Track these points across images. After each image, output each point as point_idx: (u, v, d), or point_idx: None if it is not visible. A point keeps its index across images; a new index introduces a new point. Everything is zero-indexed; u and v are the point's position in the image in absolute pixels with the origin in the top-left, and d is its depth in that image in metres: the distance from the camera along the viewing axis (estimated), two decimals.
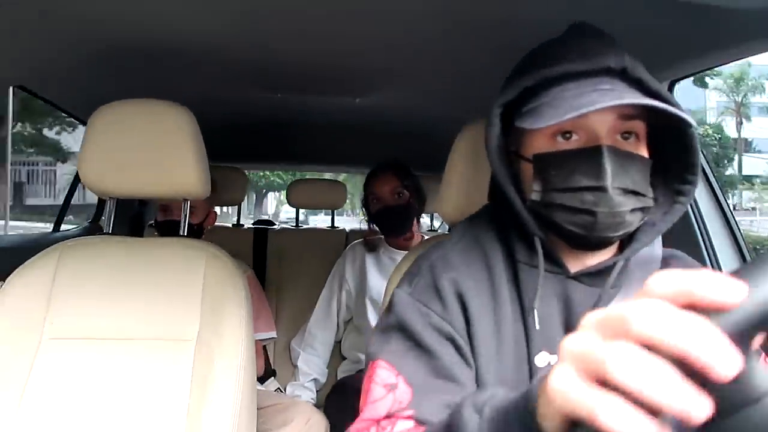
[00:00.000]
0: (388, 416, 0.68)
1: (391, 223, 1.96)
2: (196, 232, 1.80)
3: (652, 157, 0.74)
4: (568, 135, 0.71)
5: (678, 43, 1.04)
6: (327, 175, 3.63)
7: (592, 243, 0.73)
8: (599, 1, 0.91)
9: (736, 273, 0.36)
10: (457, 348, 0.74)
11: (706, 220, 1.30)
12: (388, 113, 1.83)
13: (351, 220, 8.45)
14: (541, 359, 0.74)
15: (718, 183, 1.35)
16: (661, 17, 0.94)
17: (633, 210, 0.69)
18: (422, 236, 2.06)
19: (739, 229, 1.31)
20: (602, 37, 0.75)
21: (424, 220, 2.81)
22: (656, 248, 0.82)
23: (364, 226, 2.15)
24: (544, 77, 0.72)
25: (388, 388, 0.70)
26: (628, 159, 0.69)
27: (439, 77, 1.40)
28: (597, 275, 0.75)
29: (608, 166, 0.67)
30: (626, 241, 0.76)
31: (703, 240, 1.29)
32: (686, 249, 1.26)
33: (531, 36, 0.81)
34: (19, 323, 1.07)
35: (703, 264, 1.27)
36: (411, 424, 0.66)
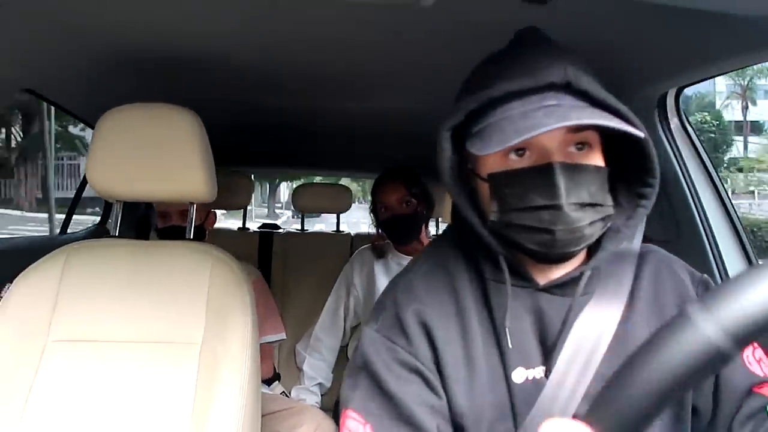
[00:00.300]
0: None
1: (398, 232, 1.96)
2: (198, 234, 1.81)
3: (611, 163, 0.74)
4: (520, 152, 0.71)
5: (685, 50, 1.04)
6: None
7: (554, 258, 0.74)
8: (607, 8, 0.91)
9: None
10: (425, 380, 0.75)
11: (709, 217, 1.29)
12: (395, 118, 1.83)
13: (361, 207, 8.39)
14: (517, 375, 0.75)
15: (718, 175, 1.34)
16: (668, 25, 0.94)
17: (592, 223, 0.69)
18: (431, 242, 2.06)
19: (742, 225, 1.31)
20: (544, 48, 0.73)
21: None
22: (634, 243, 0.82)
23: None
24: (488, 98, 0.72)
25: None
26: (581, 172, 0.69)
27: (446, 82, 1.40)
28: (566, 285, 0.76)
29: (561, 183, 0.67)
30: (593, 247, 0.76)
31: (707, 237, 1.29)
32: (690, 247, 1.28)
33: None
34: (25, 325, 1.08)
35: (705, 260, 1.26)
36: None
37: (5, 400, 1.02)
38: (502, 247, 0.75)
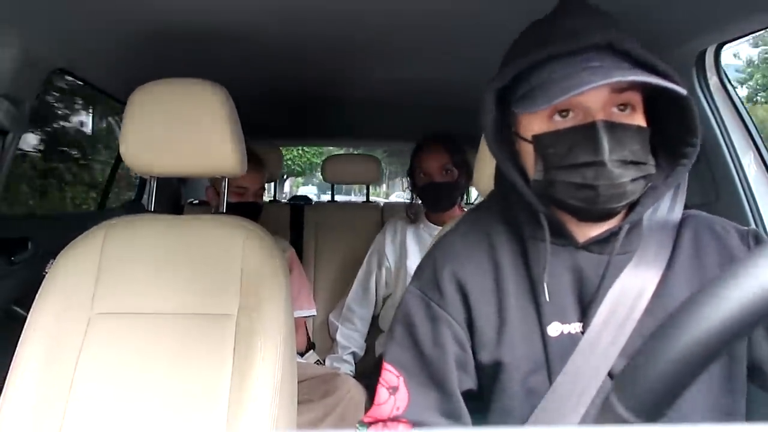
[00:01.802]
0: (389, 419, 0.80)
1: (436, 200, 1.93)
2: (255, 210, 1.87)
3: (652, 123, 0.75)
4: (564, 113, 0.73)
5: (727, 2, 0.99)
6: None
7: (596, 215, 0.76)
8: None
9: None
10: (455, 334, 0.80)
11: (750, 180, 1.25)
12: (426, 87, 1.81)
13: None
14: (553, 329, 0.77)
15: (760, 135, 1.29)
16: None
17: (634, 180, 0.71)
18: (472, 207, 2.04)
19: None
20: (588, 13, 0.75)
21: None
22: (675, 211, 0.83)
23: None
24: (534, 61, 0.73)
25: (391, 391, 0.81)
26: (624, 131, 0.71)
27: (478, 47, 1.37)
28: (605, 242, 0.78)
29: (604, 140, 0.69)
30: (632, 207, 0.78)
31: (747, 201, 1.24)
32: (729, 210, 1.24)
33: None
34: (70, 299, 1.12)
35: (745, 224, 1.23)
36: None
37: (55, 371, 1.07)
38: (544, 204, 0.77)
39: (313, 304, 2.00)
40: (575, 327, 0.77)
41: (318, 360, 2.03)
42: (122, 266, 1.15)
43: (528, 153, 0.77)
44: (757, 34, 1.16)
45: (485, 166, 1.04)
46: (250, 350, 1.07)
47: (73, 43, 1.33)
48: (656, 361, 0.39)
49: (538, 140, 0.75)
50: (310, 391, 1.64)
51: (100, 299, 1.13)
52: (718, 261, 0.79)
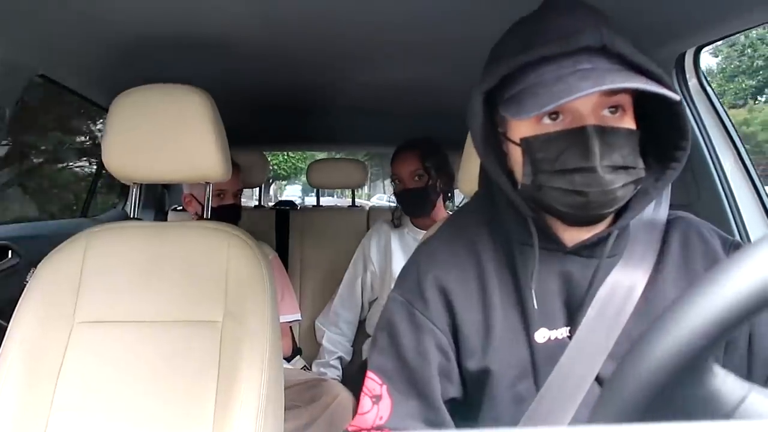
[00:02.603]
0: (373, 428, 0.78)
1: (410, 206, 1.95)
2: (235, 214, 1.85)
3: (642, 124, 0.73)
4: (554, 116, 0.71)
5: (705, 7, 1.01)
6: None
7: (585, 220, 0.75)
8: None
9: None
10: (438, 342, 0.79)
11: (730, 180, 1.27)
12: (411, 91, 1.81)
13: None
14: (540, 335, 0.77)
15: (739, 136, 1.31)
16: None
17: (624, 185, 0.70)
18: (455, 211, 2.04)
19: (764, 188, 1.28)
20: (576, 11, 0.72)
21: None
22: (661, 212, 0.83)
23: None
24: (523, 63, 0.71)
25: (374, 400, 0.80)
26: (614, 135, 0.69)
27: (462, 51, 1.38)
28: (594, 246, 0.77)
29: (595, 145, 0.68)
30: (621, 210, 0.76)
31: (728, 201, 1.26)
32: (710, 210, 1.25)
33: None
34: (51, 309, 1.10)
35: (727, 224, 1.25)
36: None
37: (37, 381, 1.05)
38: (531, 210, 0.76)
39: (298, 309, 1.99)
40: (562, 332, 0.77)
41: (305, 365, 2.02)
42: (105, 274, 1.14)
43: (516, 156, 0.75)
44: (717, 43, 1.18)
45: (470, 168, 1.04)
46: (236, 357, 1.06)
47: (53, 50, 1.31)
48: (641, 365, 0.40)
49: (526, 143, 0.73)
50: (297, 397, 1.63)
51: (82, 308, 1.11)
52: (705, 266, 0.79)
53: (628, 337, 0.73)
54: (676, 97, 0.65)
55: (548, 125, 0.71)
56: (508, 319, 0.78)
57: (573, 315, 0.77)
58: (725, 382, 0.39)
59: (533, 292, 0.76)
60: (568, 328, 0.77)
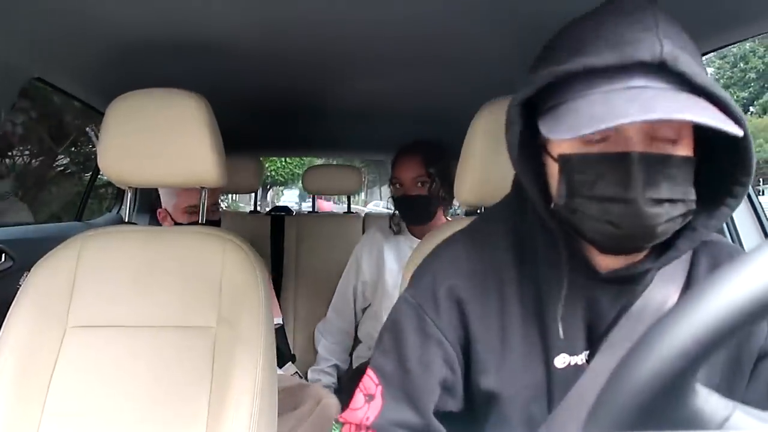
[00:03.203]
0: (357, 428, 0.77)
1: (409, 212, 1.87)
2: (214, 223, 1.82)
3: (699, 150, 0.65)
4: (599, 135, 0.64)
5: (711, 13, 1.00)
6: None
7: (620, 251, 0.68)
8: None
9: None
10: (445, 355, 0.75)
11: None
12: (409, 97, 1.80)
13: None
14: (560, 361, 0.73)
15: None
16: None
17: (669, 220, 0.62)
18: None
19: (757, 198, 1.29)
20: (637, 15, 0.62)
21: None
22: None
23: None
24: (565, 73, 0.63)
25: (367, 398, 0.77)
26: (664, 164, 0.61)
27: (458, 58, 1.39)
28: (627, 277, 0.71)
29: (638, 175, 0.60)
30: (665, 242, 0.68)
31: (727, 225, 1.27)
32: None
33: (550, 16, 0.79)
34: (44, 313, 1.09)
35: (720, 233, 1.25)
36: None
37: (28, 386, 1.04)
38: (563, 232, 0.70)
39: (278, 313, 1.94)
40: (582, 357, 0.73)
41: (297, 372, 2.01)
42: (98, 278, 1.13)
43: (553, 171, 0.69)
44: (709, 55, 1.19)
45: (467, 176, 1.04)
46: (230, 362, 1.06)
47: (49, 53, 1.31)
48: (624, 386, 0.40)
49: (564, 161, 0.66)
50: (287, 401, 1.62)
51: (75, 312, 1.10)
52: None
53: None
54: (739, 132, 0.57)
55: (592, 144, 0.64)
56: (527, 342, 0.74)
57: (594, 341, 0.73)
58: (708, 401, 0.39)
59: (559, 321, 0.70)
60: (587, 352, 0.73)
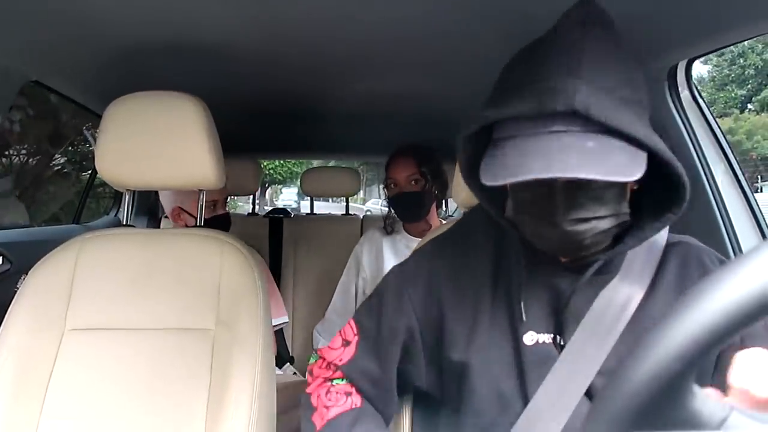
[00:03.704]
0: (329, 365, 0.93)
1: (405, 210, 1.95)
2: (228, 222, 1.83)
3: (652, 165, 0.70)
4: None
5: (696, 20, 1.02)
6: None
7: (563, 255, 0.79)
8: None
9: None
10: (409, 324, 0.88)
11: (722, 191, 1.28)
12: (406, 99, 1.81)
13: None
14: (528, 338, 0.80)
15: (731, 147, 1.32)
16: None
17: (596, 233, 0.71)
18: (441, 222, 2.04)
19: (755, 199, 1.29)
20: (569, 57, 0.66)
21: None
22: (660, 236, 0.83)
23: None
24: (492, 121, 0.71)
25: (344, 343, 0.93)
26: (588, 189, 0.68)
27: (456, 62, 1.39)
28: (582, 266, 0.78)
29: (561, 202, 0.69)
30: (618, 237, 0.76)
31: (720, 212, 1.27)
32: (702, 222, 1.26)
33: (544, 19, 0.79)
34: (42, 316, 1.09)
35: (719, 235, 1.25)
36: (343, 381, 0.92)
37: (26, 389, 1.04)
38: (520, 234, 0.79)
39: (283, 312, 1.95)
40: (548, 337, 0.80)
41: (295, 373, 2.01)
42: (97, 281, 1.13)
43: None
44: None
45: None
46: (228, 364, 1.06)
47: (46, 56, 1.31)
48: (623, 389, 0.40)
49: (512, 183, 0.73)
50: (283, 401, 1.62)
51: (73, 315, 1.10)
52: None
53: (617, 354, 0.74)
54: (632, 179, 0.64)
55: None
56: (496, 322, 0.82)
57: (560, 324, 0.79)
58: (705, 403, 0.40)
59: (522, 304, 0.80)
60: (554, 335, 0.80)
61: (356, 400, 0.90)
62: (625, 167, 0.64)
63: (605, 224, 0.71)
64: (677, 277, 0.80)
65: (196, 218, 1.66)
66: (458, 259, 0.88)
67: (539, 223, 0.72)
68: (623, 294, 0.78)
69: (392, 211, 2.01)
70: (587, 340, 0.76)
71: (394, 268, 0.95)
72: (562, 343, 0.79)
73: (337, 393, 0.90)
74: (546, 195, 0.69)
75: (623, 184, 0.71)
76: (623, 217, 0.72)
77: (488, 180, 0.68)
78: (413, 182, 1.90)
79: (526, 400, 0.78)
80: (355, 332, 0.92)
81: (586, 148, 0.64)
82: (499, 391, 0.80)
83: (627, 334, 0.75)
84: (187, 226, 1.73)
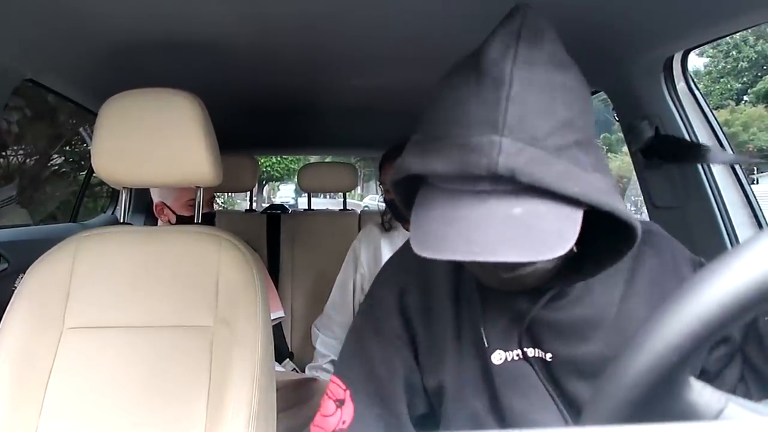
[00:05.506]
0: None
1: (400, 212, 1.93)
2: (211, 222, 1.84)
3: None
4: None
5: (692, 11, 1.01)
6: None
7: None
8: None
9: None
10: (401, 354, 0.82)
11: (718, 182, 1.28)
12: (403, 94, 1.81)
13: None
14: (496, 357, 0.78)
15: (727, 138, 1.32)
16: None
17: (533, 271, 0.68)
18: None
19: (752, 190, 1.29)
20: (485, 111, 0.58)
21: None
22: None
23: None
24: (415, 173, 0.65)
25: (337, 404, 0.82)
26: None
27: (453, 55, 1.38)
28: (536, 289, 0.76)
29: (491, 265, 0.68)
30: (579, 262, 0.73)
31: (716, 203, 1.27)
32: (699, 213, 1.26)
33: (545, 16, 0.78)
34: (40, 315, 1.09)
35: (715, 225, 1.25)
36: None
37: (25, 388, 1.04)
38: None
39: (279, 307, 1.96)
40: (517, 353, 0.77)
41: (295, 369, 2.01)
42: (95, 279, 1.13)
43: None
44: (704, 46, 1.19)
45: None
46: (228, 362, 1.06)
47: (41, 54, 1.30)
48: (617, 384, 0.40)
49: None
50: (286, 398, 1.63)
51: (72, 313, 1.10)
52: (676, 285, 0.76)
53: (598, 355, 0.73)
54: (556, 255, 0.57)
55: None
56: (462, 342, 0.80)
57: (528, 339, 0.77)
58: (702, 394, 0.40)
59: (482, 330, 0.78)
60: (521, 350, 0.77)
61: None
62: (556, 239, 0.57)
63: (548, 264, 0.69)
64: (654, 271, 0.78)
65: (176, 215, 1.67)
66: (425, 276, 0.84)
67: (478, 271, 0.73)
68: (601, 292, 0.76)
69: (389, 212, 2.00)
70: (563, 344, 0.75)
71: (362, 305, 0.89)
72: (535, 355, 0.77)
73: None
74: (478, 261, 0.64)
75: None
76: (569, 253, 0.60)
77: (417, 249, 0.61)
78: None
79: (500, 418, 0.77)
80: (344, 387, 0.82)
81: (511, 216, 0.58)
82: (473, 411, 0.78)
83: (606, 334, 0.74)
84: (170, 222, 1.74)
